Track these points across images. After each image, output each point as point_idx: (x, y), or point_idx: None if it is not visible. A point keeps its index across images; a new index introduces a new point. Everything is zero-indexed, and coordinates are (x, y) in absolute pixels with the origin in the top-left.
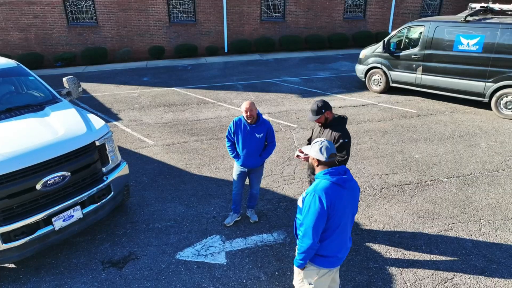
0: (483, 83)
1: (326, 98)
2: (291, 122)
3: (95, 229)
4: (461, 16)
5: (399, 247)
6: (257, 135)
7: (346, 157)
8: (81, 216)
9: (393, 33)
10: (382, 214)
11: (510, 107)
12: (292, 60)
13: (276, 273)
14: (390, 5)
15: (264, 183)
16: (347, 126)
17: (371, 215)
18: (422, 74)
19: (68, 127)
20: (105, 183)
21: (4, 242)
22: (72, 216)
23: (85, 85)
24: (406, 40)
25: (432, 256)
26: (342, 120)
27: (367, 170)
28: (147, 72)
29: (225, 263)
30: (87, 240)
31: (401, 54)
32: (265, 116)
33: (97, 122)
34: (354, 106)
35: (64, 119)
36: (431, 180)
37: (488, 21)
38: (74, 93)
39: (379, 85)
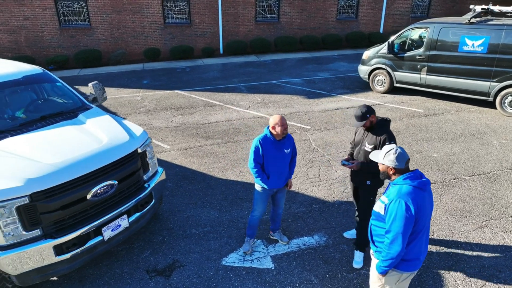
0: (488, 83)
1: (331, 99)
2: (303, 124)
3: (132, 238)
4: (466, 18)
5: (441, 246)
6: (285, 151)
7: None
8: (128, 225)
9: (397, 34)
10: None
11: None
12: (290, 61)
13: (327, 275)
14: (381, 6)
15: (295, 186)
16: None
17: None
18: (427, 75)
19: (110, 135)
20: (147, 190)
21: (57, 254)
22: (120, 225)
23: (83, 89)
24: (410, 42)
25: (474, 253)
26: (386, 122)
27: None
28: (145, 75)
29: (273, 268)
30: (125, 249)
31: (405, 55)
32: None
33: (136, 128)
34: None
35: (103, 126)
36: (455, 179)
37: (492, 22)
38: (100, 99)
39: (383, 86)
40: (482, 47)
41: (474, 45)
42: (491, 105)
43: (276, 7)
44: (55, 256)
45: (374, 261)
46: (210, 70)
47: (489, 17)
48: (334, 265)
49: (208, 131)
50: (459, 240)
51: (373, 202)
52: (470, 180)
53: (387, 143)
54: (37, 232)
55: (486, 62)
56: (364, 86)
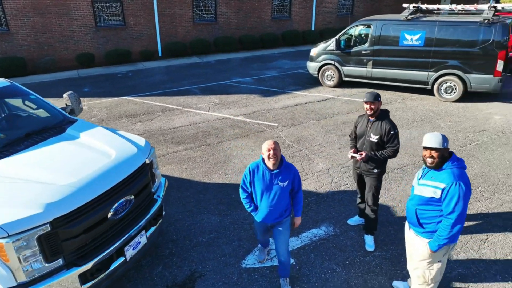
0: (426, 73)
1: (287, 96)
2: (270, 122)
3: None
4: (404, 15)
5: None
6: (281, 184)
7: (398, 145)
8: (146, 241)
9: (343, 31)
10: (400, 194)
11: (449, 91)
12: (233, 61)
13: (347, 262)
14: (312, 5)
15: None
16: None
17: (394, 196)
18: (372, 68)
19: (117, 148)
20: (159, 202)
21: (82, 283)
22: (139, 242)
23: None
24: (355, 38)
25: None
26: (387, 112)
27: None
28: (83, 82)
29: (294, 263)
30: (133, 268)
31: (352, 50)
32: (240, 118)
33: (136, 138)
34: (318, 101)
35: (102, 139)
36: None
37: (426, 19)
38: (77, 110)
39: (333, 80)
40: (419, 41)
41: (412, 39)
42: (430, 92)
43: (213, 7)
44: (81, 286)
45: (420, 241)
46: (154, 73)
47: (420, 14)
48: (349, 252)
49: (176, 136)
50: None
51: (380, 188)
52: None
53: (392, 132)
54: (58, 262)
55: (423, 54)
56: (314, 82)
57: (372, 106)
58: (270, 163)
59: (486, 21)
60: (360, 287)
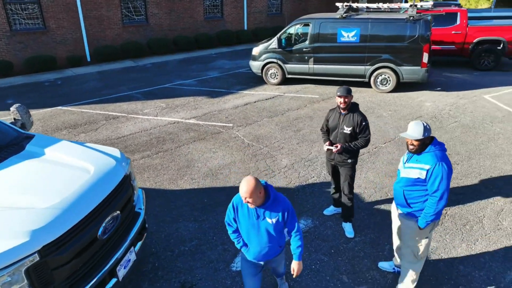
0: (363, 67)
1: (235, 96)
2: (224, 122)
3: None
4: (340, 13)
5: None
6: (269, 220)
7: (369, 135)
8: (135, 257)
9: (283, 30)
10: (365, 181)
11: (384, 83)
12: (171, 63)
13: (332, 250)
14: (243, 5)
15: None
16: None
17: (359, 184)
18: (314, 64)
19: (93, 162)
20: (142, 214)
21: None
22: (129, 260)
23: None
24: (296, 36)
25: None
26: (357, 105)
27: (323, 151)
28: (5, 93)
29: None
30: None
31: (293, 48)
32: (193, 121)
33: (110, 150)
34: (266, 99)
35: (74, 154)
36: (375, 148)
37: (360, 17)
38: (28, 124)
39: (276, 78)
40: (355, 38)
41: (349, 36)
42: (367, 85)
43: (143, 8)
44: None
45: (409, 221)
46: (87, 80)
47: (352, 13)
48: (332, 241)
49: (129, 144)
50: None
51: (354, 177)
52: (386, 146)
53: (363, 123)
54: None
55: (359, 50)
56: (257, 80)
57: (346, 100)
58: (249, 202)
59: (411, 18)
60: (350, 272)
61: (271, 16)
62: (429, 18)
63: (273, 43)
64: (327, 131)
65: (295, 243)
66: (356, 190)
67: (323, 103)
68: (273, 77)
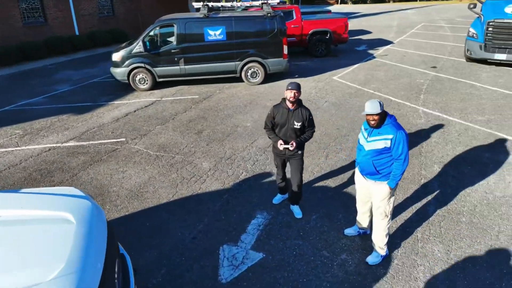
0: (233, 63)
1: (107, 108)
2: (114, 138)
3: None
4: (203, 12)
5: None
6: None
7: (315, 127)
8: None
9: (146, 32)
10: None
11: (254, 76)
12: None
13: (301, 233)
14: (69, 7)
15: (183, 192)
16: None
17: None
18: (185, 65)
19: (66, 209)
20: (126, 254)
21: None
22: None
23: None
24: (161, 38)
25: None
26: (301, 100)
27: (236, 147)
28: None
29: (264, 255)
30: None
31: (161, 50)
32: (73, 143)
33: (65, 190)
34: (146, 106)
35: (35, 205)
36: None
37: (223, 15)
38: None
39: (147, 83)
40: (222, 36)
41: (215, 34)
42: (239, 79)
43: None
44: None
45: (380, 185)
46: None
47: (214, 12)
48: (295, 225)
49: (3, 186)
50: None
51: (303, 166)
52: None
53: (310, 117)
54: None
55: (228, 47)
56: (124, 88)
57: (296, 94)
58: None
59: (269, 14)
60: (326, 246)
61: (103, 18)
62: (282, 14)
63: (138, 46)
64: (272, 128)
65: None
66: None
67: (206, 102)
68: (142, 82)
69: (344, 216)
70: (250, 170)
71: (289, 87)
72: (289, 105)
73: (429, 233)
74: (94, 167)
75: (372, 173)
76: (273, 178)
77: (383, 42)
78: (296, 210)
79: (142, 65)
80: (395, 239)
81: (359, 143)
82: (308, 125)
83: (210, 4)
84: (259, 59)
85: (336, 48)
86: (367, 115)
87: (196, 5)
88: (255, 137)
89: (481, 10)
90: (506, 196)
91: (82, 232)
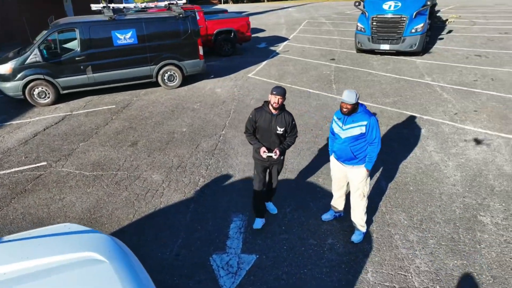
0: (148, 67)
1: (3, 130)
2: (31, 163)
3: None
4: (108, 15)
5: None
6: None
7: (297, 133)
8: None
9: (41, 40)
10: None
11: (172, 79)
12: None
13: (283, 227)
14: None
15: (144, 210)
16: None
17: (241, 168)
18: (93, 73)
19: (88, 248)
20: None
21: None
22: None
23: None
24: (61, 45)
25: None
26: (284, 105)
27: (181, 154)
28: None
29: (257, 256)
30: None
31: (62, 59)
32: None
33: (74, 226)
34: (56, 123)
35: (58, 249)
36: (217, 135)
37: (131, 17)
38: None
39: (48, 97)
40: (132, 39)
41: (125, 38)
42: (155, 84)
43: None
44: None
45: (357, 169)
46: None
47: (114, 13)
48: (275, 222)
49: None
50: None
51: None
52: (225, 132)
53: (293, 122)
54: None
55: (140, 50)
56: (19, 104)
57: (281, 100)
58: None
59: (181, 15)
60: (311, 235)
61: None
62: (193, 14)
63: (33, 55)
64: (253, 132)
65: None
66: (248, 171)
67: (128, 112)
68: (43, 96)
69: (314, 204)
70: (206, 176)
71: (274, 92)
72: (272, 110)
73: (391, 205)
74: (19, 200)
75: (350, 159)
76: (235, 179)
77: (280, 39)
78: (271, 207)
79: (41, 76)
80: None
81: (332, 133)
82: (291, 130)
83: (112, 5)
84: (175, 62)
85: (241, 46)
86: (342, 102)
87: (95, 6)
88: (197, 142)
89: (364, 7)
90: (433, 163)
91: (121, 267)
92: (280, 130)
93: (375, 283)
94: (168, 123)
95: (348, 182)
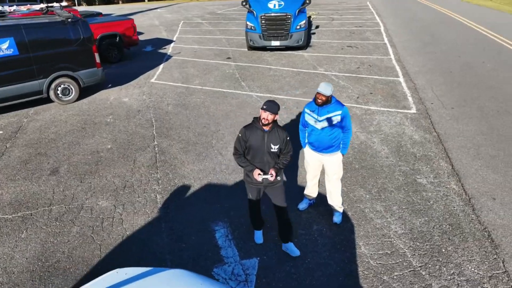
0: (36, 81)
1: None
2: None
3: None
4: None
5: None
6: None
7: (292, 149)
8: None
9: None
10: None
11: (67, 93)
12: None
13: (268, 225)
14: None
15: (110, 242)
16: None
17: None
18: None
19: None
20: None
21: None
22: None
23: None
24: None
25: None
26: (277, 121)
27: (120, 173)
28: None
29: (259, 258)
30: None
31: None
32: None
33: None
34: None
35: None
36: (149, 146)
37: (7, 23)
38: None
39: None
40: (12, 49)
41: (1, 49)
42: (48, 100)
43: None
44: None
45: (335, 155)
46: None
47: None
48: (270, 223)
49: None
50: None
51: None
52: (160, 142)
53: (287, 138)
54: None
55: (24, 63)
56: None
57: (270, 116)
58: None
59: (69, 19)
60: (295, 226)
61: None
62: (84, 19)
63: None
64: (244, 153)
65: None
66: (204, 178)
67: (25, 136)
68: None
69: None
70: (161, 191)
71: (264, 107)
72: (263, 126)
73: (349, 183)
74: None
75: (328, 147)
76: (194, 188)
77: (165, 41)
78: (292, 248)
79: None
80: None
81: (304, 125)
82: (285, 147)
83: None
84: (70, 73)
85: (129, 51)
86: (318, 93)
87: None
88: (132, 157)
89: (250, 7)
90: (362, 142)
91: None
92: (274, 148)
93: (371, 254)
94: (85, 142)
95: (321, 170)
